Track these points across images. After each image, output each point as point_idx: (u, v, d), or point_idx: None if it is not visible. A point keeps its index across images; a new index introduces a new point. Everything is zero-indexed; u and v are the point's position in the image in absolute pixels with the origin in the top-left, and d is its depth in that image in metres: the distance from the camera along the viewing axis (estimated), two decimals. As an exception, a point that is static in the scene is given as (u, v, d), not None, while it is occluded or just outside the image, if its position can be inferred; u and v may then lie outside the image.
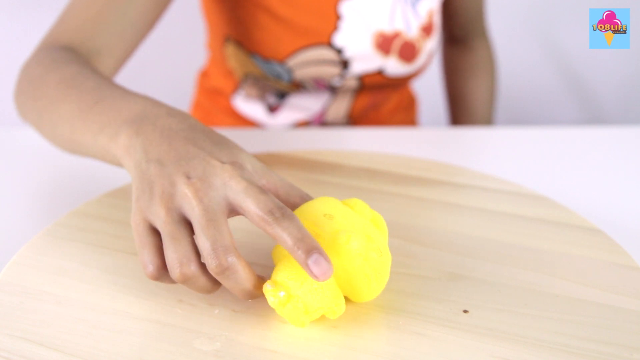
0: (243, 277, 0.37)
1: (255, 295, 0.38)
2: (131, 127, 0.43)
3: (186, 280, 0.37)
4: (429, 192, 0.56)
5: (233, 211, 0.38)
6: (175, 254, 0.36)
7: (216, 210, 0.37)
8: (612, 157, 0.70)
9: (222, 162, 0.39)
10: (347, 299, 0.40)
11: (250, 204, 0.37)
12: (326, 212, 0.38)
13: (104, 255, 0.45)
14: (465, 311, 0.41)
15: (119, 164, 0.45)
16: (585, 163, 0.68)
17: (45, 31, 0.62)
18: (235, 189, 0.38)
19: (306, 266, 0.35)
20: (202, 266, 0.37)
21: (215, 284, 0.38)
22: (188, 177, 0.38)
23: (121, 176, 0.60)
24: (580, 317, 0.41)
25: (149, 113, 0.44)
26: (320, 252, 0.35)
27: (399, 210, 0.53)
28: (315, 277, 0.35)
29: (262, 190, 0.38)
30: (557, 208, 0.54)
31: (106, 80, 0.50)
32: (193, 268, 0.37)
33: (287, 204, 0.41)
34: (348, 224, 0.38)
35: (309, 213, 0.39)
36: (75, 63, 0.53)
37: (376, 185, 0.57)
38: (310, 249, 0.35)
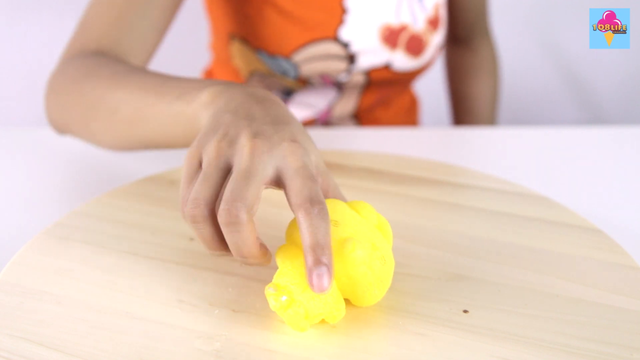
0: (245, 237, 0.36)
1: (252, 263, 0.38)
2: (216, 88, 0.43)
3: (194, 222, 0.37)
4: (429, 192, 0.56)
5: (275, 183, 0.38)
6: (196, 193, 0.37)
7: (258, 173, 0.37)
8: (612, 157, 0.70)
9: (293, 141, 0.39)
10: (347, 302, 0.40)
11: (295, 183, 0.37)
12: (332, 218, 0.38)
13: (104, 255, 0.45)
14: (465, 311, 0.41)
15: (190, 128, 0.45)
16: (586, 163, 0.68)
17: (44, 31, 0.62)
18: (289, 165, 0.38)
19: (309, 274, 0.35)
20: (215, 217, 0.37)
21: (221, 243, 0.38)
22: (254, 135, 0.38)
23: (121, 176, 0.61)
24: (580, 317, 0.41)
25: (234, 83, 0.44)
26: (328, 269, 0.35)
27: (399, 210, 0.53)
28: (312, 286, 0.35)
29: (313, 177, 0.38)
30: (557, 208, 0.54)
31: (159, 72, 0.51)
32: (205, 212, 0.36)
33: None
34: (354, 230, 0.38)
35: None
36: (120, 62, 0.55)
37: (377, 185, 0.57)
38: (321, 261, 0.35)
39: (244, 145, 0.38)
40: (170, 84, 0.47)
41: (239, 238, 0.36)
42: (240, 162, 0.38)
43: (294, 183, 0.37)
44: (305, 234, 0.36)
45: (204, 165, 0.38)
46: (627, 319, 0.41)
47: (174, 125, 0.46)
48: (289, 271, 0.37)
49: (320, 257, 0.35)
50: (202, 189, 0.37)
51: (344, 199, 0.42)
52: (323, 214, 0.36)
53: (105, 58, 0.56)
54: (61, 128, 0.59)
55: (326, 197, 0.42)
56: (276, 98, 0.44)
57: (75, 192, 0.59)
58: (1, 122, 1.34)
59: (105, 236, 0.48)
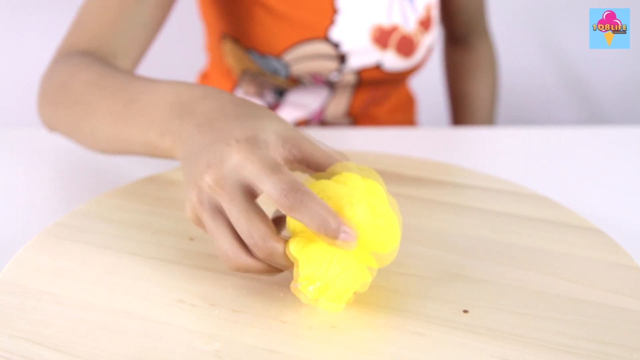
0: (283, 256, 0.38)
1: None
2: (174, 124, 0.44)
3: (239, 271, 0.39)
4: (429, 192, 0.56)
5: (255, 193, 0.39)
6: (222, 250, 0.38)
7: (242, 200, 0.38)
8: (612, 157, 0.70)
9: (238, 141, 0.39)
10: (354, 298, 0.40)
11: (265, 187, 0.37)
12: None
13: (104, 255, 0.45)
14: (465, 311, 0.41)
15: (172, 156, 0.46)
16: (586, 163, 0.68)
17: (43, 31, 0.62)
18: (250, 171, 0.38)
19: (336, 246, 0.36)
20: (248, 253, 0.39)
21: (275, 268, 0.39)
22: (208, 165, 0.39)
23: (121, 176, 0.61)
24: (580, 317, 0.41)
25: (185, 100, 0.44)
26: (345, 230, 0.36)
27: (399, 210, 0.53)
28: (344, 248, 0.36)
29: (276, 168, 0.38)
30: (557, 208, 0.54)
31: (129, 75, 0.51)
32: (243, 259, 0.38)
33: (316, 166, 0.42)
34: (345, 199, 0.38)
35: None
36: (95, 64, 0.55)
37: (376, 185, 0.57)
38: (335, 231, 0.36)
39: (209, 184, 0.39)
40: (136, 108, 0.47)
41: (280, 259, 0.38)
42: (222, 201, 0.38)
43: (262, 187, 0.37)
44: (306, 223, 0.36)
45: (204, 223, 0.40)
46: (627, 319, 0.41)
47: (153, 151, 0.47)
48: (305, 264, 0.37)
49: (331, 231, 0.36)
50: (221, 245, 0.38)
51: (322, 152, 0.42)
52: (303, 196, 0.36)
53: (85, 59, 0.56)
54: (53, 129, 0.60)
55: (308, 165, 0.42)
56: (219, 92, 0.44)
57: (75, 192, 0.59)
58: (1, 122, 1.34)
59: (105, 236, 0.48)
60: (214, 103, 0.43)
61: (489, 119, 0.98)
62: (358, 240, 0.37)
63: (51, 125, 0.58)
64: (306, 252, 0.37)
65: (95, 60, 0.55)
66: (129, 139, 0.48)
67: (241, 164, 0.38)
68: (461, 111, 1.00)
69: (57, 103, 0.56)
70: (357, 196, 0.38)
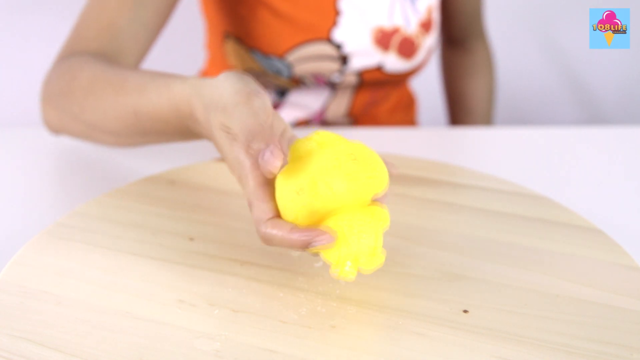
0: (281, 242, 0.38)
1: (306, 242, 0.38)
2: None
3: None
4: (429, 192, 0.56)
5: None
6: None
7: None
8: (612, 157, 0.70)
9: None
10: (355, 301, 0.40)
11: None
12: (298, 189, 0.38)
13: (104, 255, 0.45)
14: (465, 311, 0.41)
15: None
16: (585, 163, 0.68)
17: (43, 32, 0.63)
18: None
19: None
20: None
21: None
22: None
23: (121, 176, 0.61)
24: (580, 317, 0.41)
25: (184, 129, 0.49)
26: (318, 240, 0.37)
27: (399, 210, 0.53)
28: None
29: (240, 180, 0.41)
30: (557, 208, 0.54)
31: (125, 77, 0.53)
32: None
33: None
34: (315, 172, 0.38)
35: (285, 199, 0.39)
36: (96, 61, 0.56)
37: (376, 185, 0.57)
38: (309, 242, 0.37)
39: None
40: (142, 112, 0.50)
41: (279, 244, 0.39)
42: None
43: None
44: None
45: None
46: (627, 319, 0.41)
47: (178, 106, 0.48)
48: (333, 250, 0.38)
49: (309, 243, 0.37)
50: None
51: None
52: (271, 242, 0.39)
53: (85, 60, 0.57)
54: (59, 133, 0.61)
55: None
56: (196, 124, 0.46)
57: (75, 192, 0.59)
58: (1, 122, 1.34)
59: (105, 236, 0.48)
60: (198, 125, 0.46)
61: (486, 120, 0.99)
62: (354, 187, 0.37)
63: (59, 129, 0.59)
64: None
65: (95, 57, 0.56)
66: (150, 108, 0.50)
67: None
68: (458, 111, 1.00)
69: (62, 108, 0.56)
70: (321, 170, 0.38)
